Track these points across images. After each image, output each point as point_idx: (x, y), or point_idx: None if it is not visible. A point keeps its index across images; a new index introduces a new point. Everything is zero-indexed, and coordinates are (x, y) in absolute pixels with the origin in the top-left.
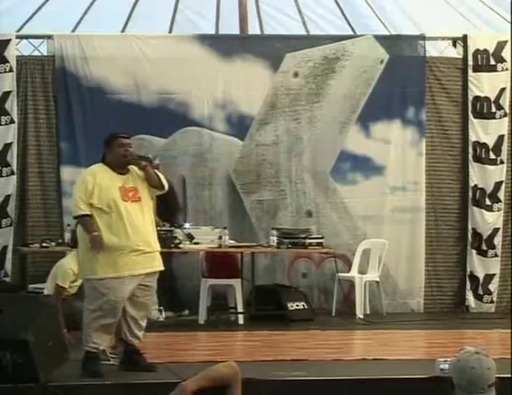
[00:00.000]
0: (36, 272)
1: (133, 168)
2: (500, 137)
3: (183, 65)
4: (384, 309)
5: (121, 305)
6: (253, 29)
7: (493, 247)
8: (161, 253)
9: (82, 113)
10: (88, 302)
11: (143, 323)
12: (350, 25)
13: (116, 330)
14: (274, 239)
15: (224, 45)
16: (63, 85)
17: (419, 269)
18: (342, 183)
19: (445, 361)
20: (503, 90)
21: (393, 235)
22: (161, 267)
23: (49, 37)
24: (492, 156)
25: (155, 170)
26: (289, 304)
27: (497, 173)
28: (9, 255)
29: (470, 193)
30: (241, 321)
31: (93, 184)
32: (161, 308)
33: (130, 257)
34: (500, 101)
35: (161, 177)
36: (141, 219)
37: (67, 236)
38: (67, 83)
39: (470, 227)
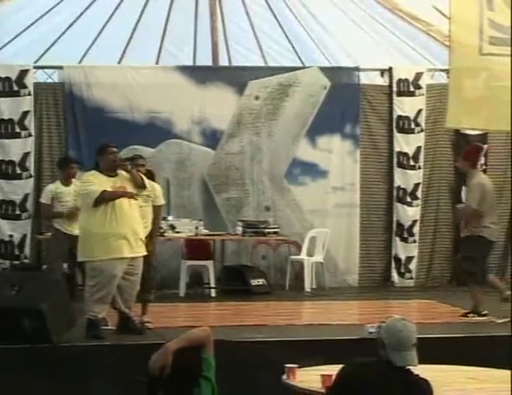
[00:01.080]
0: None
1: (121, 172)
2: (418, 148)
3: (167, 90)
4: (327, 284)
5: (115, 281)
6: (223, 61)
7: (412, 235)
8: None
9: (86, 128)
10: (88, 279)
11: (134, 295)
12: (299, 58)
13: (112, 301)
14: (240, 229)
15: (199, 74)
16: (71, 106)
17: (354, 252)
18: (294, 184)
19: (373, 326)
20: (420, 110)
21: (334, 226)
22: (144, 252)
23: (60, 67)
24: (412, 163)
25: (139, 172)
26: (252, 281)
27: (416, 176)
28: (28, 242)
29: (395, 192)
30: (213, 294)
31: (91, 182)
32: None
33: (120, 242)
34: (418, 119)
35: (143, 178)
36: (129, 211)
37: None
38: (74, 104)
39: (395, 219)
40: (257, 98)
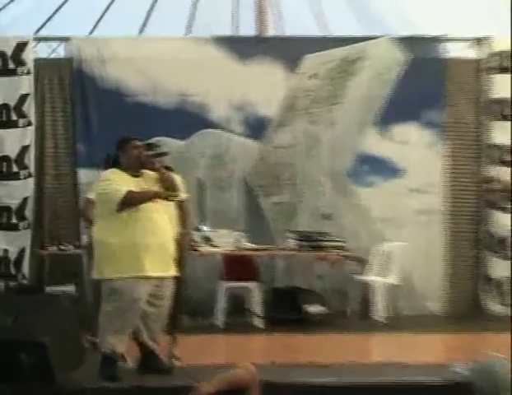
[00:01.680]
0: (53, 275)
1: (147, 171)
2: None
3: (200, 67)
4: (402, 312)
5: (137, 306)
6: (271, 30)
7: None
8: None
9: (99, 115)
10: (105, 303)
11: (161, 326)
12: (368, 26)
13: (134, 332)
14: (292, 242)
15: (241, 47)
16: (80, 87)
17: (437, 271)
18: (361, 185)
19: (462, 364)
20: None
21: (411, 238)
22: (175, 273)
23: (67, 39)
24: (509, 158)
25: (171, 173)
26: (307, 307)
27: None
28: (27, 258)
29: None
30: (259, 324)
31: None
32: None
33: (146, 257)
34: None
35: (176, 181)
36: (158, 220)
37: (84, 239)
38: (84, 85)
39: (488, 229)
40: (314, 77)
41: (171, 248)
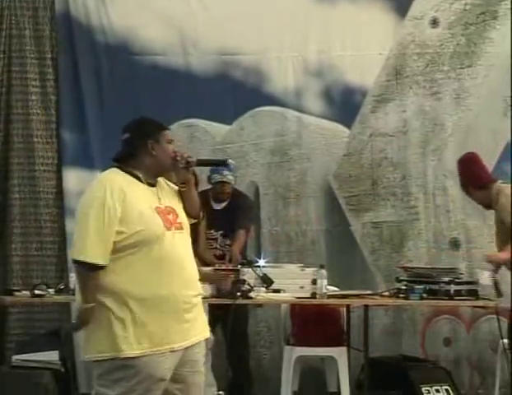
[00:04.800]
0: (24, 336)
1: (161, 179)
2: None
3: (255, 11)
4: None
5: (159, 389)
6: None
7: None
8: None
9: (98, 86)
10: (107, 387)
11: None
12: None
13: None
14: (402, 285)
15: None
16: (68, 42)
17: None
18: None
19: None
20: None
21: None
22: (208, 334)
23: None
24: None
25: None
26: (424, 388)
27: None
28: None
29: None
30: None
31: (123, 201)
32: (221, 392)
33: (175, 318)
34: None
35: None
36: (187, 259)
37: (73, 279)
38: (73, 38)
39: None
40: (434, 23)
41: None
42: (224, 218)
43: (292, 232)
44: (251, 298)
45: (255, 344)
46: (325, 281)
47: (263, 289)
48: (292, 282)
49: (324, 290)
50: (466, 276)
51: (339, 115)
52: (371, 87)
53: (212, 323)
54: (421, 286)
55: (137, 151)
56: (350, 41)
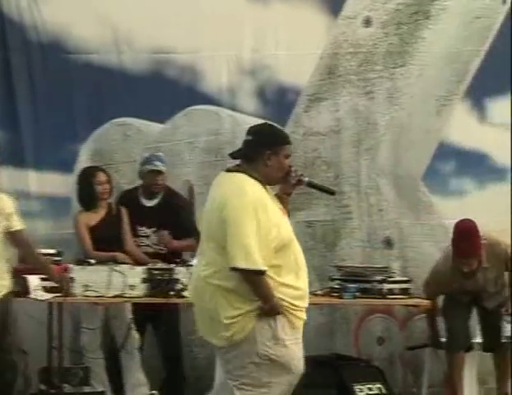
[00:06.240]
0: None
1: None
2: None
3: (190, 10)
4: None
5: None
6: None
7: None
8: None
9: (30, 85)
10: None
11: None
12: None
13: None
14: (334, 284)
15: None
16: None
17: None
18: (443, 193)
19: None
20: None
21: None
22: None
23: None
24: None
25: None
26: (356, 387)
27: None
28: None
29: None
30: None
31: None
32: (154, 392)
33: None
34: None
35: None
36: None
37: None
38: (5, 36)
39: None
40: (367, 22)
41: None
42: (157, 215)
43: None
44: (184, 297)
45: (189, 343)
46: None
47: None
48: None
49: None
50: (399, 275)
51: (273, 114)
52: (305, 86)
53: (142, 323)
54: (355, 285)
55: (254, 156)
56: (283, 40)
